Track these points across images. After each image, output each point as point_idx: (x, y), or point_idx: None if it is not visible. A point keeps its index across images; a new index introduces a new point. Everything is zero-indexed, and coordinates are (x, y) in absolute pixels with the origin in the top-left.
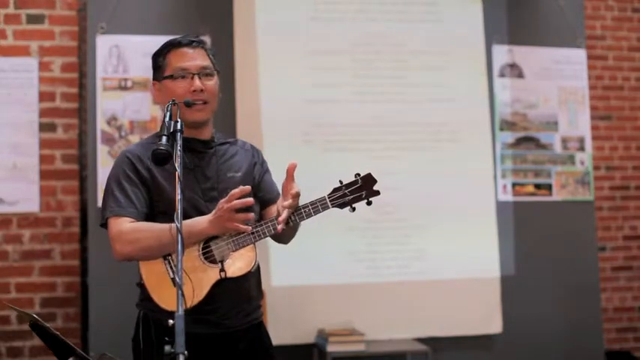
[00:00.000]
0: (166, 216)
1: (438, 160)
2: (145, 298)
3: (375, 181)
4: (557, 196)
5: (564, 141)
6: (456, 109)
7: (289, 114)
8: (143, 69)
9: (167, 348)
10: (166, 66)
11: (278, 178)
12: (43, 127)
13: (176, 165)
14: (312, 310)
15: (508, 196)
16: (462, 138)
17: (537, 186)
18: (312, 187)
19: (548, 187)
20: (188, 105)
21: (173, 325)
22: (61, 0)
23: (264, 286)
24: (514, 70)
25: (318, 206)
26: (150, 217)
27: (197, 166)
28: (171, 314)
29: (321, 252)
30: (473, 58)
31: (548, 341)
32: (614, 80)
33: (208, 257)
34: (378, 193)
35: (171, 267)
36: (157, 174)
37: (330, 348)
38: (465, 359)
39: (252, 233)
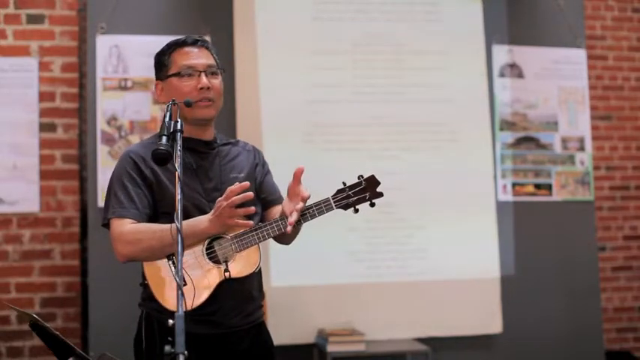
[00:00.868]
0: (169, 216)
1: (438, 160)
2: (148, 298)
3: (378, 183)
4: (557, 196)
5: (564, 141)
6: (456, 109)
7: (289, 114)
8: (143, 69)
9: (167, 348)
10: (171, 64)
11: (278, 177)
12: (43, 127)
13: (176, 165)
14: (312, 310)
15: (508, 196)
16: (462, 138)
17: (537, 186)
18: (313, 187)
19: (548, 187)
20: (188, 105)
21: (173, 325)
22: (61, 0)
23: (264, 287)
24: (514, 70)
25: (322, 207)
26: (153, 217)
27: (200, 166)
28: (172, 314)
29: (321, 252)
30: (473, 58)
31: (548, 341)
32: (614, 80)
33: (212, 257)
34: (381, 194)
35: (174, 267)
36: (160, 174)
37: (330, 348)
38: (464, 359)
39: (257, 234)
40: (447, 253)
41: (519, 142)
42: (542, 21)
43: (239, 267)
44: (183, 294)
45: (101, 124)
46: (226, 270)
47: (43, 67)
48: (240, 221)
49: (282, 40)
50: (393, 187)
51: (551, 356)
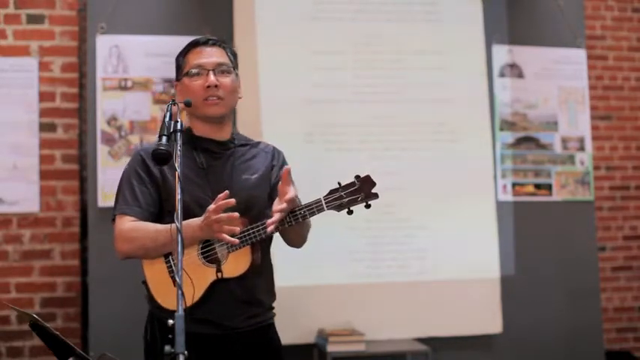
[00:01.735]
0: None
1: (438, 160)
2: (149, 297)
3: (373, 184)
4: (557, 196)
5: (564, 141)
6: (456, 109)
7: (290, 114)
8: (143, 69)
9: (167, 348)
10: (185, 64)
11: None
12: (43, 127)
13: (176, 165)
14: (312, 310)
15: (508, 196)
16: (462, 138)
17: (537, 186)
18: (313, 187)
19: (548, 187)
20: (188, 105)
21: (173, 325)
22: (61, 0)
23: None
24: (514, 70)
25: (313, 208)
26: (159, 215)
27: (211, 166)
28: (171, 313)
29: (321, 252)
30: (473, 58)
31: (548, 341)
32: (614, 80)
33: (207, 257)
34: (376, 196)
35: (171, 266)
36: (167, 174)
37: (330, 348)
38: (464, 359)
39: (247, 235)
40: (447, 253)
41: (519, 142)
42: (542, 21)
43: (231, 267)
44: (183, 294)
45: (101, 124)
46: (218, 270)
47: (43, 67)
48: (227, 237)
49: (282, 40)
50: (394, 187)
51: (551, 356)
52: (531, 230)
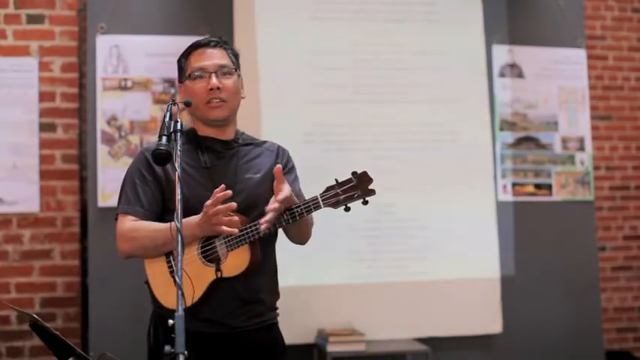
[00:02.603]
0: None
1: (438, 160)
2: (151, 296)
3: (370, 180)
4: (557, 196)
5: (564, 141)
6: (456, 109)
7: (289, 114)
8: (143, 69)
9: (167, 348)
10: (187, 67)
11: None
12: (43, 127)
13: (176, 165)
14: (312, 310)
15: (508, 196)
16: (462, 138)
17: (537, 186)
18: (313, 187)
19: (548, 187)
20: (187, 105)
21: (173, 325)
22: (61, 0)
23: None
24: (514, 70)
25: (310, 206)
26: (161, 214)
27: (215, 165)
28: (170, 311)
29: (322, 252)
30: (473, 58)
31: (548, 341)
32: (614, 80)
33: (207, 256)
34: (373, 192)
35: (172, 265)
36: (170, 173)
37: (330, 348)
38: (464, 359)
39: (245, 234)
40: (447, 253)
41: (519, 142)
42: (542, 21)
43: (230, 266)
44: (183, 294)
45: (101, 124)
46: (217, 269)
47: (43, 67)
48: (226, 228)
49: (282, 40)
50: (393, 187)
51: (551, 356)
52: (531, 230)
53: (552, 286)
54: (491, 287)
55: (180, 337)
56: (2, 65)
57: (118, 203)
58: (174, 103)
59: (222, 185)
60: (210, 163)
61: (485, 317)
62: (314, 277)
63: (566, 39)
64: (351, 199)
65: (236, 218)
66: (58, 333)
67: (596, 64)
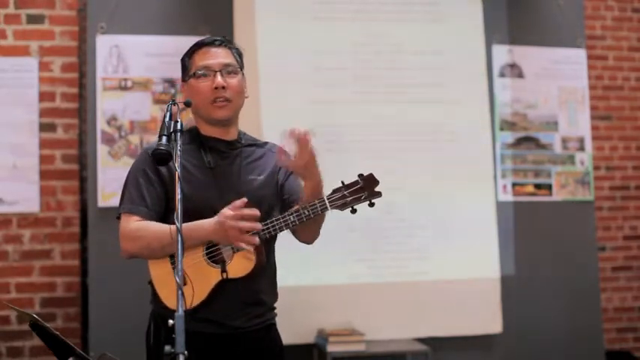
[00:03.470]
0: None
1: (438, 160)
2: (154, 296)
3: (377, 182)
4: (557, 196)
5: (564, 141)
6: (456, 109)
7: (290, 114)
8: (143, 69)
9: (167, 348)
10: (191, 65)
11: None
12: (43, 127)
13: (176, 165)
14: (312, 310)
15: (508, 196)
16: (462, 138)
17: (537, 186)
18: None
19: (548, 187)
20: (188, 105)
21: (173, 325)
22: (61, 0)
23: None
24: (514, 70)
25: (317, 207)
26: (164, 215)
27: (218, 166)
28: (173, 313)
29: (321, 252)
30: (473, 58)
31: (548, 341)
32: (614, 80)
33: (212, 257)
34: (379, 194)
35: (173, 267)
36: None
37: (330, 348)
38: (464, 359)
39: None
40: (447, 253)
41: (519, 142)
42: (542, 21)
43: (236, 268)
44: (183, 294)
45: (101, 124)
46: (223, 270)
47: (43, 67)
48: (243, 244)
49: (282, 40)
50: (394, 187)
51: (551, 356)
52: (531, 230)
53: (552, 286)
54: (491, 287)
55: (180, 337)
56: (2, 65)
57: (121, 202)
58: (175, 103)
59: (244, 199)
60: (214, 163)
61: (485, 317)
62: (314, 277)
63: (566, 39)
64: (358, 200)
65: (259, 225)
66: (58, 333)
67: (596, 64)
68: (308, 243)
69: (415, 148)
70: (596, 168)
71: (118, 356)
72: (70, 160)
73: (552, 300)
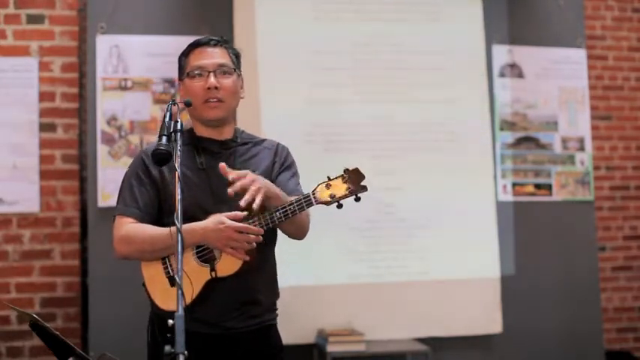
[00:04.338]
0: (170, 215)
1: (438, 160)
2: (148, 297)
3: (362, 177)
4: (557, 196)
5: (564, 141)
6: (456, 109)
7: (290, 114)
8: (143, 69)
9: (167, 348)
10: (186, 65)
11: None
12: (43, 127)
13: (176, 165)
14: (312, 310)
15: (508, 196)
16: (462, 138)
17: (537, 186)
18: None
19: (548, 187)
20: (188, 105)
21: (172, 325)
22: (61, 0)
23: None
24: (514, 70)
25: (302, 203)
26: (157, 217)
27: (211, 166)
28: (167, 313)
29: (321, 252)
30: (473, 58)
31: (548, 341)
32: (614, 80)
33: (201, 257)
34: (365, 188)
35: (167, 267)
36: (166, 174)
37: (330, 348)
38: (464, 359)
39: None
40: (447, 253)
41: (519, 142)
42: (542, 21)
43: (224, 266)
44: (183, 294)
45: (101, 124)
46: (212, 269)
47: (43, 67)
48: (237, 254)
49: (282, 40)
50: (394, 187)
51: (551, 356)
52: (531, 230)
53: (552, 286)
54: (491, 287)
55: (180, 337)
56: (2, 65)
57: (116, 205)
58: (175, 103)
59: (246, 213)
60: (206, 165)
61: (485, 317)
62: (314, 277)
63: (566, 39)
64: (344, 195)
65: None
66: (58, 333)
67: (596, 64)
68: (298, 238)
69: (415, 148)
70: (596, 168)
71: (118, 356)
72: (70, 160)
73: (552, 300)
